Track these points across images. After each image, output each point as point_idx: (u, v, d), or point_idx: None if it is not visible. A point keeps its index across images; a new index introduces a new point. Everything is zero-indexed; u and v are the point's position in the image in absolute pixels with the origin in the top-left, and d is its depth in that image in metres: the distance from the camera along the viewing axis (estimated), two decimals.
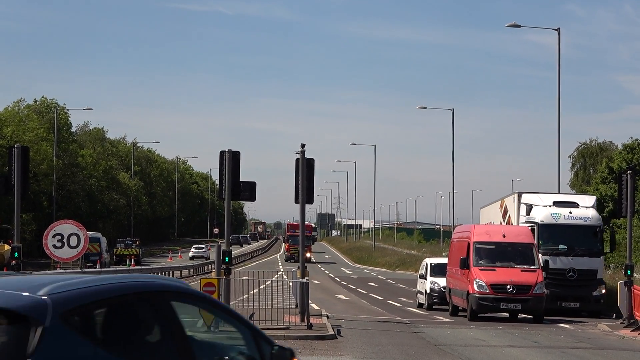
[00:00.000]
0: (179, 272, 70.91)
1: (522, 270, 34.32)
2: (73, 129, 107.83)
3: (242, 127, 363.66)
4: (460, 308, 36.14)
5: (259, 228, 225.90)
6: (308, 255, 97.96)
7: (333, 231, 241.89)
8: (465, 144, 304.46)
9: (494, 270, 34.42)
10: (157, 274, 63.64)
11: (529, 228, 37.39)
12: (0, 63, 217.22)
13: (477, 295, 33.78)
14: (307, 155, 28.68)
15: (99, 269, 53.52)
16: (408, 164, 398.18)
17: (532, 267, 34.55)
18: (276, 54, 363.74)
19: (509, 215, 41.81)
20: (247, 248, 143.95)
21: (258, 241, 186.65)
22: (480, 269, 34.42)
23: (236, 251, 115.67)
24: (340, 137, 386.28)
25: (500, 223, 42.62)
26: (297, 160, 28.69)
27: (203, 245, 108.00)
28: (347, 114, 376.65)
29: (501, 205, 43.71)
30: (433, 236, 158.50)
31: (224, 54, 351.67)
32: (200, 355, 7.39)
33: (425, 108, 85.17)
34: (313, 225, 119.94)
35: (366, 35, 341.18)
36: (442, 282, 39.70)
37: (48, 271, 42.20)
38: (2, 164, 70.66)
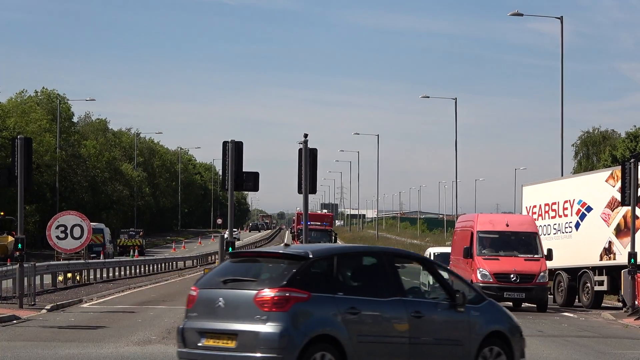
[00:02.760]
0: (182, 262, 71.00)
1: (525, 260, 34.30)
2: (75, 120, 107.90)
3: (244, 117, 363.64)
4: None
5: (267, 220, 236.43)
6: None
7: (336, 221, 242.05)
8: (468, 133, 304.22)
9: (498, 259, 34.40)
10: (160, 264, 63.74)
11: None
12: (1, 54, 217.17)
13: (481, 285, 33.71)
14: (310, 145, 28.69)
15: (103, 260, 53.61)
16: (411, 154, 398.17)
17: (535, 256, 34.53)
18: (279, 44, 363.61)
19: None
20: (258, 235, 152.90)
21: (270, 228, 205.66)
22: (484, 258, 34.39)
23: (239, 242, 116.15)
24: (343, 127, 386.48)
25: (614, 200, 34.76)
26: (300, 150, 28.66)
27: (235, 230, 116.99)
28: (350, 104, 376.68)
29: (613, 177, 35.26)
30: (436, 226, 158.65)
31: (227, 43, 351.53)
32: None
33: (428, 97, 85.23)
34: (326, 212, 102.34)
35: (369, 24, 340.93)
36: None
37: (52, 262, 42.23)
38: (6, 156, 70.71)
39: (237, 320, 12.99)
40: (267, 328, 12.78)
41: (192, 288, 13.78)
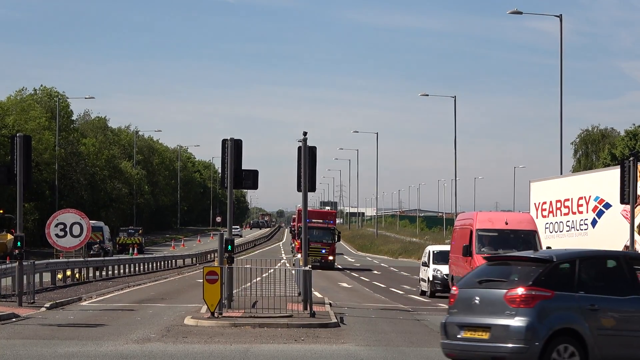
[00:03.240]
0: (181, 260, 70.95)
1: None
2: (74, 118, 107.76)
3: (244, 115, 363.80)
4: None
5: (266, 218, 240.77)
6: (330, 258, 70.28)
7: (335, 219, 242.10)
8: (467, 131, 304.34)
9: None
10: (159, 262, 63.73)
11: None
12: (0, 51, 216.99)
13: None
14: (310, 143, 28.63)
15: (102, 258, 53.56)
16: (410, 152, 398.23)
17: None
18: (278, 42, 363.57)
19: None
20: (255, 234, 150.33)
21: (269, 227, 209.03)
22: (483, 257, 34.32)
23: (242, 239, 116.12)
24: (342, 125, 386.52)
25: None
26: (300, 148, 28.63)
27: (237, 227, 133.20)
28: (349, 102, 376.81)
29: None
30: (435, 224, 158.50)
31: (226, 41, 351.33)
32: None
33: (427, 95, 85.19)
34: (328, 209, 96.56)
35: (369, 22, 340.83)
36: (444, 269, 39.68)
37: (51, 260, 42.23)
38: (5, 154, 70.67)
39: (490, 315, 15.20)
40: (516, 322, 14.91)
41: (453, 287, 16.19)
